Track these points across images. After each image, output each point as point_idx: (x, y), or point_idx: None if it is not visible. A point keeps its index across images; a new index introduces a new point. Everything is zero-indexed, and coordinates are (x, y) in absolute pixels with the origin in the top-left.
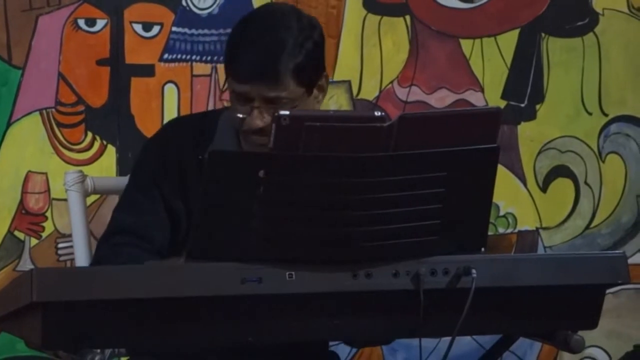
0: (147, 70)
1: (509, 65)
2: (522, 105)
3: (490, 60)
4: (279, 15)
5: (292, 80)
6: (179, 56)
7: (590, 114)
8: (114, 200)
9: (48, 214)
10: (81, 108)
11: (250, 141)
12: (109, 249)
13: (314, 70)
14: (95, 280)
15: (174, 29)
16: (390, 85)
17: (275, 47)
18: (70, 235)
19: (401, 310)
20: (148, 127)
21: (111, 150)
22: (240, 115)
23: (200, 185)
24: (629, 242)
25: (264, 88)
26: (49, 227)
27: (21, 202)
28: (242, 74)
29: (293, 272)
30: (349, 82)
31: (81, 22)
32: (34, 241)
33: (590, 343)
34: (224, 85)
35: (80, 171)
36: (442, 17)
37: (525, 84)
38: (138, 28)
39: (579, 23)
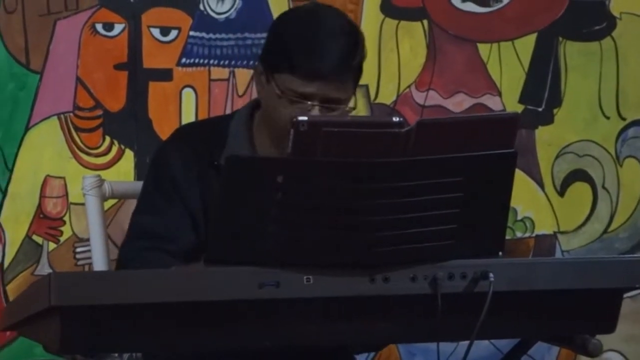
0: (164, 75)
1: (526, 69)
2: (540, 109)
3: (508, 65)
4: (336, 16)
5: (353, 81)
6: (196, 60)
7: (607, 118)
8: (131, 204)
9: (66, 218)
10: (99, 112)
11: None
12: (134, 253)
13: (361, 72)
14: (113, 284)
15: (191, 33)
16: (407, 89)
17: (339, 45)
18: (88, 240)
19: (419, 314)
20: (166, 132)
21: (129, 155)
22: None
23: (218, 190)
24: None
25: (328, 88)
26: (67, 231)
27: (39, 207)
28: (307, 71)
29: (311, 277)
30: (366, 86)
31: (99, 27)
32: (52, 245)
33: (608, 347)
34: (246, 88)
35: (98, 175)
36: (460, 21)
37: (543, 88)
38: (156, 32)
39: (597, 27)
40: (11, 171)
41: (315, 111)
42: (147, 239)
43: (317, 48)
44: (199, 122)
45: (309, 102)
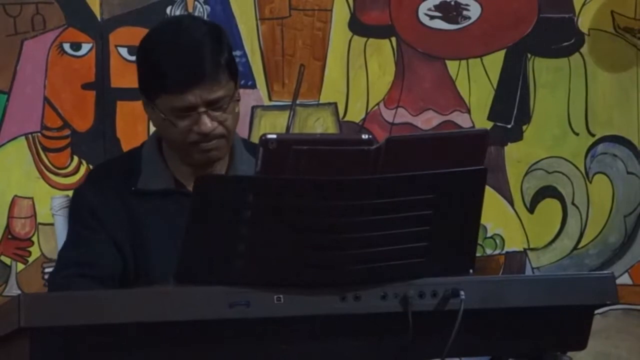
0: (132, 94)
1: (495, 86)
2: (509, 126)
3: (477, 82)
4: (183, 21)
5: (226, 75)
6: None
7: (577, 134)
8: None
9: (34, 238)
10: (67, 132)
11: (199, 150)
12: (62, 282)
13: (235, 62)
14: (82, 305)
15: None
16: (376, 107)
17: (200, 48)
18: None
19: (390, 332)
20: None
21: None
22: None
23: (189, 209)
24: (617, 263)
25: (205, 91)
26: (35, 252)
27: (7, 227)
28: (179, 84)
29: (281, 296)
30: (335, 105)
31: (66, 46)
32: (20, 266)
33: None
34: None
35: (67, 196)
36: (428, 38)
37: (512, 104)
38: (123, 52)
39: (565, 43)
40: None
41: (205, 117)
42: (72, 268)
43: (180, 60)
44: (110, 160)
45: (197, 111)
